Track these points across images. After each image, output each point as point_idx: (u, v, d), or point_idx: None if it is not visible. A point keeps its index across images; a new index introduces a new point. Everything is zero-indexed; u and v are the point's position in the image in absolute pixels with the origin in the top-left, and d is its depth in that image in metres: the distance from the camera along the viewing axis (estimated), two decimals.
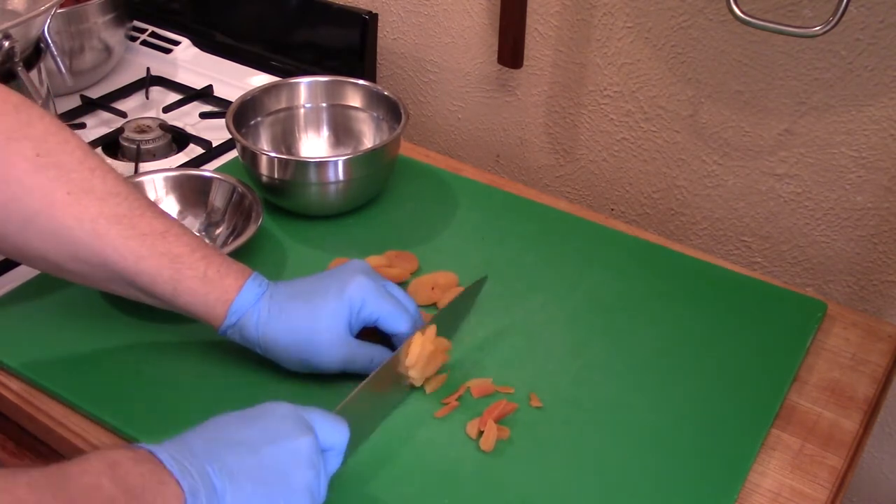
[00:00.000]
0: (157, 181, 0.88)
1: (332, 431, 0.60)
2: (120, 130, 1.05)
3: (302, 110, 0.99)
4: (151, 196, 0.87)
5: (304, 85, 0.99)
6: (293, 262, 0.86)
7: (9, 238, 0.64)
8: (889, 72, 0.81)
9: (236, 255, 0.78)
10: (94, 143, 1.02)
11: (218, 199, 0.88)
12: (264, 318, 0.68)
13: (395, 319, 0.70)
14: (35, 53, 0.94)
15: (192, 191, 0.89)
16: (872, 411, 0.75)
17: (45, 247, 0.64)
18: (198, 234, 0.68)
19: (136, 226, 0.65)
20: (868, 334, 0.81)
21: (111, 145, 1.05)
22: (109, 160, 1.02)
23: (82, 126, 1.08)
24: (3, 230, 0.64)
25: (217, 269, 0.67)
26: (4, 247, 0.66)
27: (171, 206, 0.88)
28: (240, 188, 0.88)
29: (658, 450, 0.68)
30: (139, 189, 0.66)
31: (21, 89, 0.86)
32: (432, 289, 0.81)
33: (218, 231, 0.88)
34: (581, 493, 0.65)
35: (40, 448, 0.76)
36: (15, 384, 0.73)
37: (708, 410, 0.71)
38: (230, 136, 1.05)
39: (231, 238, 0.86)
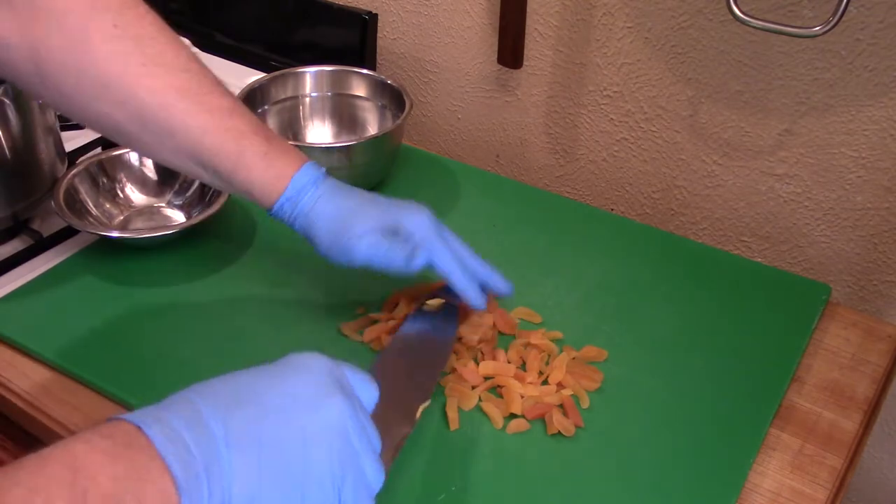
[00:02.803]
0: (133, 153, 0.93)
1: (363, 388, 0.52)
2: None
3: (308, 99, 1.02)
4: (134, 164, 0.94)
5: (310, 74, 1.01)
6: (305, 246, 0.86)
7: (83, 105, 0.66)
8: (889, 72, 0.81)
9: (211, 221, 0.86)
10: (94, 144, 1.02)
11: None
12: (324, 195, 0.70)
13: (450, 270, 0.69)
14: None
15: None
16: (872, 411, 0.75)
17: (117, 115, 0.66)
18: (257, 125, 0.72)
19: (204, 101, 0.67)
20: (868, 334, 0.81)
21: (111, 145, 1.05)
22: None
23: (82, 126, 1.08)
24: (79, 97, 0.66)
25: (277, 148, 0.70)
26: (79, 114, 0.68)
27: (149, 174, 0.94)
28: None
29: (658, 449, 0.68)
30: (207, 70, 0.70)
31: None
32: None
33: (188, 193, 0.93)
34: (581, 493, 0.65)
35: (39, 448, 0.76)
36: (16, 385, 0.74)
37: (708, 409, 0.71)
38: None
39: (207, 203, 0.90)
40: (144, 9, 0.67)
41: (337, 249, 0.70)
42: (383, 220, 0.70)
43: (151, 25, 0.66)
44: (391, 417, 0.59)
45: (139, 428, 0.43)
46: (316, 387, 0.48)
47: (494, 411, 0.70)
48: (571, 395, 0.71)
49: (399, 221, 0.70)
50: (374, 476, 0.49)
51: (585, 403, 0.71)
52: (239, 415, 0.45)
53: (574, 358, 0.74)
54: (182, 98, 0.66)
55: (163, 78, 0.66)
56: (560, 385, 0.72)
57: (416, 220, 0.70)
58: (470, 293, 0.70)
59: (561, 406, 0.70)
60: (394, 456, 0.59)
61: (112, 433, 0.43)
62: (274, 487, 0.45)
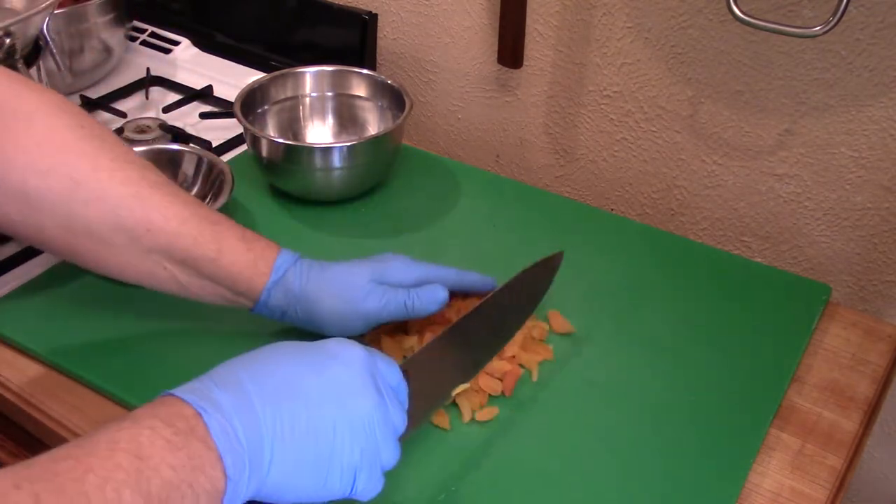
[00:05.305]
0: None
1: (393, 376, 0.58)
2: (120, 131, 1.05)
3: (308, 99, 1.02)
4: None
5: (310, 74, 1.01)
6: (305, 244, 0.86)
7: (54, 209, 0.64)
8: (889, 72, 0.81)
9: None
10: None
11: (188, 170, 0.92)
12: (306, 272, 0.70)
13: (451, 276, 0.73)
14: (34, 52, 0.94)
15: (164, 164, 0.91)
16: (872, 411, 0.75)
17: (89, 215, 0.64)
18: None
19: (176, 193, 0.68)
20: (868, 334, 0.81)
21: None
22: None
23: None
24: (50, 200, 0.64)
25: (250, 232, 0.70)
26: (38, 221, 0.65)
27: None
28: (207, 158, 0.90)
29: (658, 450, 0.68)
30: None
31: None
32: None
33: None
34: (581, 493, 0.65)
35: (40, 448, 0.76)
36: (16, 385, 0.74)
37: (708, 410, 0.71)
38: (230, 137, 1.05)
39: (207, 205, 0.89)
40: (91, 116, 0.68)
41: (340, 324, 0.70)
42: (373, 277, 0.70)
43: (105, 128, 0.68)
44: (429, 388, 0.64)
45: (198, 414, 0.47)
46: (352, 381, 0.53)
47: (465, 404, 0.70)
48: (520, 366, 0.73)
49: (384, 274, 0.71)
50: (390, 460, 0.55)
51: (535, 377, 0.73)
52: (285, 406, 0.50)
53: (528, 336, 0.76)
54: (155, 189, 0.66)
55: (133, 171, 0.66)
56: (513, 358, 0.74)
57: (399, 264, 0.72)
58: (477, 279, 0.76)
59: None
60: (421, 421, 0.63)
61: (173, 420, 0.47)
62: (302, 475, 0.51)
